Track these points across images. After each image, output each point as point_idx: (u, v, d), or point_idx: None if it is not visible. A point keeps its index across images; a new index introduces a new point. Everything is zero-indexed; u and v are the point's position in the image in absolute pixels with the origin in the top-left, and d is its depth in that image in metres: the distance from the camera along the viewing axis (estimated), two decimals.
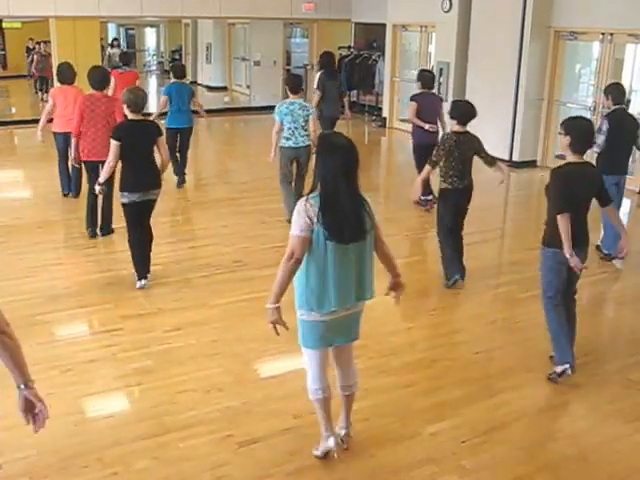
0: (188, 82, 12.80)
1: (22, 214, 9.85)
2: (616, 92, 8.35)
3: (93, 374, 5.56)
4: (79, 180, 10.26)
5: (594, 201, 5.56)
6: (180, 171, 11.45)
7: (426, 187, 9.58)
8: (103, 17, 18.63)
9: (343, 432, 4.68)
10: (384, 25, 17.47)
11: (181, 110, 11.13)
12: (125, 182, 7.02)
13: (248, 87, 21.73)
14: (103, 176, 7.28)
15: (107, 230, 8.83)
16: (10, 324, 3.07)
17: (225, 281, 7.43)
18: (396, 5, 16.82)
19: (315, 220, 4.01)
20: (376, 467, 4.54)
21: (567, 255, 5.25)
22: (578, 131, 5.38)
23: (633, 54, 14.12)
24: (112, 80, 10.90)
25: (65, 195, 10.79)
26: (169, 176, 10.28)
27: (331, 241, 4.04)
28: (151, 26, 32.62)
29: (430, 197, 10.05)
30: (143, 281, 7.24)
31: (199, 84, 25.87)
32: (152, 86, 26.97)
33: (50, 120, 10.43)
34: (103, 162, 7.38)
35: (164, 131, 8.05)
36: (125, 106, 7.02)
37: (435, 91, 11.22)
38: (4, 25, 28.13)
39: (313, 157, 4.48)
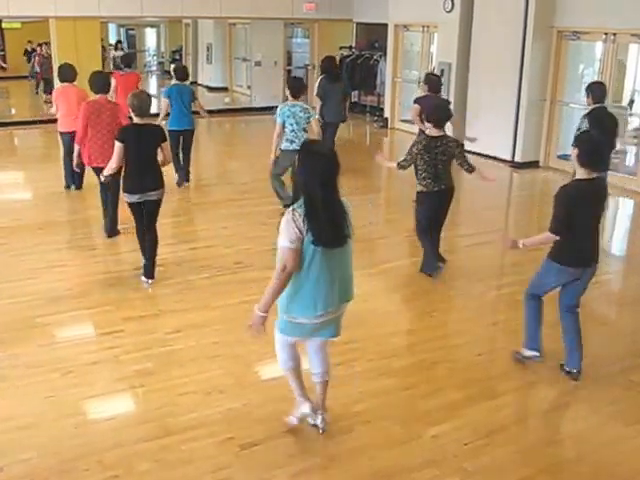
0: (189, 83, 12.79)
1: (23, 215, 9.85)
2: (597, 91, 8.58)
3: (94, 376, 5.55)
4: (82, 174, 10.42)
5: None
6: (183, 170, 11.52)
7: None
8: (103, 17, 18.59)
9: (319, 418, 4.85)
10: (386, 25, 17.45)
11: (182, 112, 11.12)
12: (126, 184, 7.24)
13: (249, 88, 21.71)
14: (106, 172, 7.47)
15: (113, 231, 8.85)
16: None
17: (226, 283, 7.43)
18: (398, 5, 16.80)
19: (304, 229, 4.10)
20: (377, 470, 4.52)
21: (520, 242, 5.47)
22: (587, 144, 5.31)
23: (636, 54, 14.13)
24: (113, 82, 10.93)
25: (67, 187, 10.96)
26: (171, 178, 10.33)
27: (317, 246, 4.13)
28: (151, 26, 32.59)
29: None
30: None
31: (199, 84, 25.86)
32: (152, 87, 26.97)
33: (54, 120, 10.63)
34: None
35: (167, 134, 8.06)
36: (131, 110, 7.18)
37: (442, 94, 11.17)
38: (4, 25, 28.06)
39: None
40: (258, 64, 20.28)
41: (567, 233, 5.29)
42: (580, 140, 5.40)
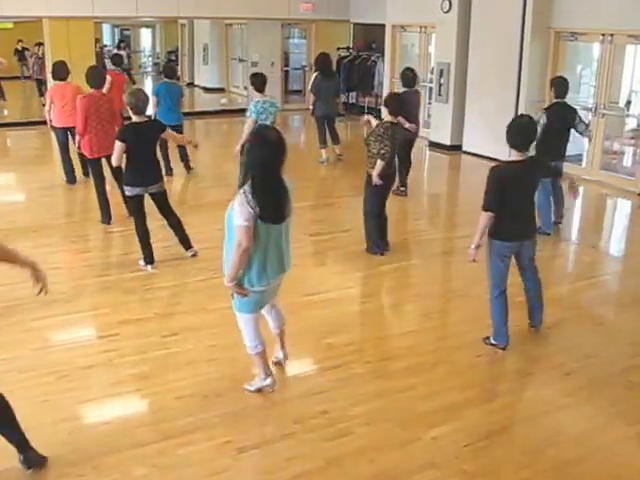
0: (178, 82, 12.99)
1: (16, 218, 9.78)
2: (559, 86, 8.88)
3: (90, 380, 5.50)
4: (85, 164, 10.59)
5: None
6: (185, 161, 12.29)
7: (403, 179, 10.81)
8: (97, 17, 18.51)
9: (281, 354, 5.67)
10: (383, 26, 17.39)
11: (170, 108, 11.54)
12: (129, 177, 7.60)
13: (245, 88, 21.61)
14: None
15: (107, 220, 9.21)
16: None
17: (222, 285, 7.27)
18: (395, 5, 16.75)
19: (254, 208, 4.52)
20: (377, 472, 4.48)
21: (472, 246, 5.82)
22: (514, 128, 5.75)
23: (633, 55, 14.11)
24: (108, 78, 11.19)
25: (70, 183, 11.25)
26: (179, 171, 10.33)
27: (265, 223, 4.61)
28: (147, 26, 32.54)
29: (403, 188, 10.91)
30: (149, 266, 7.72)
31: (196, 85, 25.81)
32: (148, 87, 26.86)
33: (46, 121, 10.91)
34: (108, 156, 8.31)
35: None
36: (128, 109, 7.41)
37: (417, 88, 11.31)
38: None
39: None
40: (255, 65, 20.19)
41: (500, 211, 5.67)
42: (509, 125, 5.79)
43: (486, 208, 5.71)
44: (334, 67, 16.30)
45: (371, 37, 19.58)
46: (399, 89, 10.83)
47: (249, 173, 4.61)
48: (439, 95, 15.04)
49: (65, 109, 10.46)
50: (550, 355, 5.73)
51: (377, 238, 8.25)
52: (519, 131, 5.73)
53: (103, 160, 9.09)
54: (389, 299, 7.61)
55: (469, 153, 14.49)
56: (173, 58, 28.39)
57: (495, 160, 13.18)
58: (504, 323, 6.02)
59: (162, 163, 10.64)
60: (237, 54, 23.67)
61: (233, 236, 4.64)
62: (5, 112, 21.32)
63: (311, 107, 13.35)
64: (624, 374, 5.83)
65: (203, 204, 10.73)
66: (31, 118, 17.74)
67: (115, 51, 26.32)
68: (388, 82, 17.60)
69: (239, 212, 4.56)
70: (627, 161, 14.21)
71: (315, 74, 13.15)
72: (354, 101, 20.04)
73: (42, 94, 19.79)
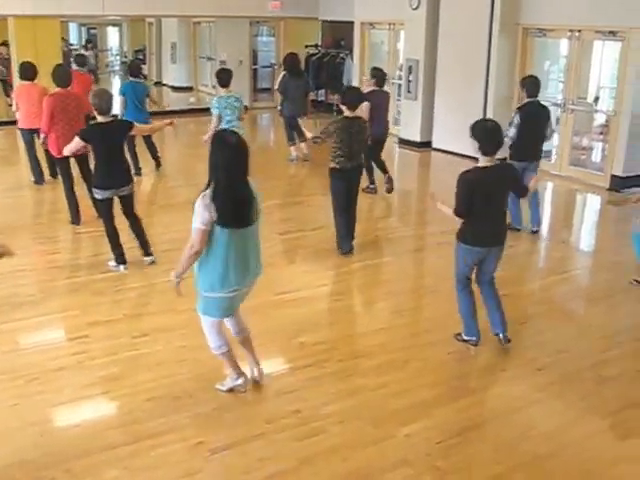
0: (144, 81, 12.91)
1: None
2: (531, 85, 8.82)
3: (59, 383, 5.43)
4: (53, 163, 10.39)
5: None
6: (155, 158, 12.34)
7: (370, 176, 10.84)
8: (64, 16, 18.33)
9: (256, 370, 5.39)
10: (352, 23, 17.39)
11: (137, 107, 11.50)
12: (98, 180, 7.42)
13: (214, 87, 21.49)
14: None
15: (76, 221, 9.11)
16: None
17: (192, 285, 7.29)
18: (363, 3, 16.74)
19: (213, 211, 4.48)
20: (350, 471, 4.48)
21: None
22: (483, 134, 5.62)
23: (601, 51, 14.25)
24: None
25: (37, 183, 11.09)
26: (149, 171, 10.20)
27: (224, 227, 4.55)
28: (114, 25, 32.24)
29: (373, 185, 10.99)
30: (122, 267, 7.66)
31: (164, 84, 25.65)
32: (115, 87, 26.67)
33: (14, 121, 10.72)
34: (77, 156, 8.28)
35: None
36: (94, 109, 7.28)
37: (385, 88, 11.41)
38: None
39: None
40: (223, 63, 20.08)
41: (469, 216, 5.68)
42: (477, 130, 5.63)
43: (458, 214, 5.70)
44: (303, 65, 16.29)
45: (340, 34, 19.56)
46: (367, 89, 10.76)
47: (210, 177, 4.59)
48: (408, 92, 15.06)
49: (32, 111, 10.28)
50: (522, 351, 5.76)
51: (343, 235, 8.23)
52: (488, 137, 5.62)
53: (72, 160, 8.97)
54: (360, 297, 7.61)
55: (439, 150, 14.53)
56: (140, 57, 28.15)
57: (465, 157, 13.33)
58: (472, 316, 6.03)
59: (131, 163, 10.61)
60: (205, 52, 23.54)
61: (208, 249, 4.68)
62: None
63: (279, 107, 13.38)
64: (594, 369, 5.89)
65: (172, 204, 10.65)
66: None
67: (79, 51, 26.12)
68: (357, 79, 17.61)
69: (197, 214, 4.54)
70: (596, 156, 14.35)
71: (283, 73, 13.17)
72: (323, 99, 20.01)
73: (8, 94, 19.54)
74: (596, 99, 14.84)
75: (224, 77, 10.29)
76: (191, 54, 24.46)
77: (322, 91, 19.99)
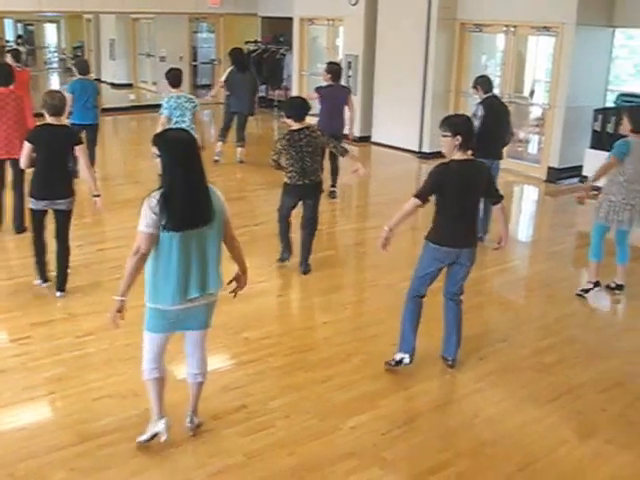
0: (93, 79, 12.57)
1: None
2: (484, 83, 8.89)
3: (2, 385, 5.36)
4: None
5: None
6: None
7: (335, 179, 10.64)
8: None
9: (188, 419, 4.79)
10: (291, 19, 17.43)
11: (86, 107, 11.01)
12: (34, 189, 6.77)
13: (154, 84, 21.38)
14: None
15: (19, 228, 8.59)
16: None
17: (136, 283, 7.24)
18: None
19: (159, 214, 4.13)
20: (297, 464, 4.53)
21: (385, 228, 5.50)
22: (465, 127, 5.38)
23: (536, 46, 14.54)
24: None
25: None
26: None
27: (169, 231, 4.15)
28: (51, 22, 31.72)
29: (334, 189, 10.70)
30: (45, 284, 7.13)
31: (103, 81, 25.32)
32: (55, 84, 26.28)
33: None
34: (14, 159, 7.50)
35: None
36: (44, 110, 6.74)
37: (342, 83, 11.34)
38: None
39: None
40: (163, 60, 19.96)
41: (439, 214, 5.46)
42: (458, 126, 5.36)
43: (415, 194, 5.39)
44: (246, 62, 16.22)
45: (279, 30, 19.57)
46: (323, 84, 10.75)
47: (162, 179, 4.25)
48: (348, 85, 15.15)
49: None
50: (464, 341, 5.85)
51: (284, 245, 7.97)
52: (469, 130, 5.39)
53: (7, 163, 8.47)
54: (303, 291, 7.65)
55: (378, 144, 14.63)
56: (79, 54, 27.76)
57: (404, 150, 13.49)
58: (412, 330, 5.70)
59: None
60: (145, 49, 23.34)
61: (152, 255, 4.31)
62: None
63: (224, 102, 13.20)
64: (534, 357, 6.06)
65: (115, 202, 10.53)
66: None
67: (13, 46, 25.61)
68: (297, 75, 17.67)
69: (143, 216, 4.21)
70: (533, 149, 14.66)
71: (230, 68, 12.93)
72: (264, 94, 20.01)
73: None
74: (532, 93, 15.15)
75: (172, 76, 9.91)
76: (130, 51, 24.22)
77: (263, 87, 19.97)
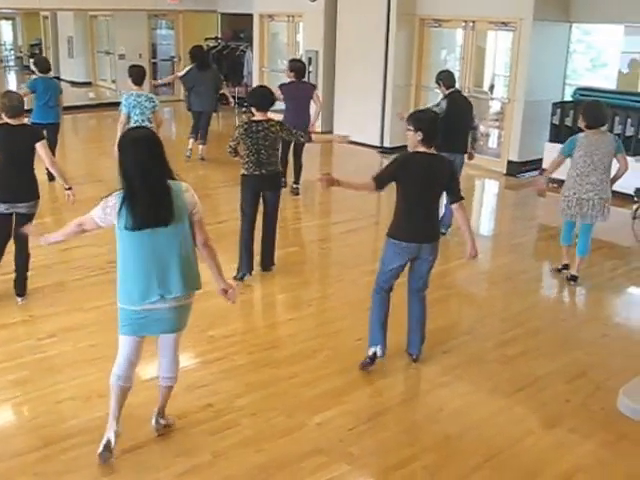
0: (52, 77, 12.39)
1: None
2: (447, 78, 8.96)
3: None
4: None
5: None
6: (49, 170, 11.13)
7: (298, 176, 10.72)
8: None
9: (154, 420, 4.74)
10: (251, 15, 17.38)
11: (48, 105, 10.84)
12: None
13: (114, 82, 21.18)
14: None
15: None
16: None
17: (100, 283, 7.21)
18: None
19: (115, 212, 4.11)
20: (265, 461, 4.52)
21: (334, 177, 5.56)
22: (427, 123, 5.40)
23: (494, 41, 14.68)
24: None
25: None
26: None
27: (126, 230, 4.10)
28: (6, 19, 31.25)
29: (297, 186, 10.72)
30: None
31: (62, 79, 25.02)
32: (12, 83, 25.90)
33: None
34: None
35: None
36: (2, 113, 6.52)
37: (306, 79, 11.33)
38: None
39: None
40: (122, 57, 19.75)
41: (399, 208, 5.45)
42: (422, 122, 5.38)
43: (374, 175, 5.40)
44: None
45: (239, 27, 19.50)
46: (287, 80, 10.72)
47: (122, 180, 4.18)
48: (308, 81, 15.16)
49: None
50: (429, 334, 5.87)
51: (242, 255, 7.57)
52: (433, 126, 5.41)
53: None
54: (267, 288, 7.62)
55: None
56: (37, 51, 27.40)
57: (365, 145, 13.51)
58: (381, 326, 5.66)
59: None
60: (104, 47, 23.11)
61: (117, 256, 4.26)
62: None
63: (185, 100, 13.08)
64: (498, 349, 6.12)
65: (77, 201, 10.39)
66: None
67: None
68: (257, 72, 17.63)
69: (98, 208, 4.22)
70: (493, 143, 14.78)
71: (190, 66, 12.81)
72: (224, 91, 19.92)
73: None
74: (491, 87, 15.27)
75: (134, 74, 9.76)
76: (89, 48, 23.95)
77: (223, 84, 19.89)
